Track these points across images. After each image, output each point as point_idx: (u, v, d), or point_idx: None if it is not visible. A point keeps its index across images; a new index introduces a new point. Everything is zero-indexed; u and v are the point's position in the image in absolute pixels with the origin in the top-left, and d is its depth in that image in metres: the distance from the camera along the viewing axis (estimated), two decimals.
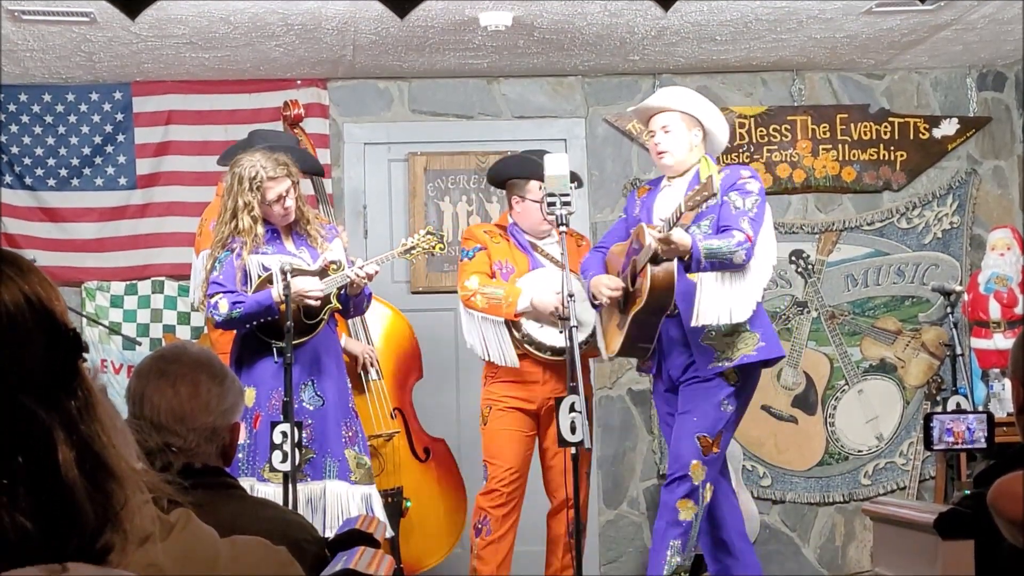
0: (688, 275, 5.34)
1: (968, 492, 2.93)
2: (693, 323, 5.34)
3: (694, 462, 5.42)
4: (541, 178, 5.58)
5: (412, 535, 6.24)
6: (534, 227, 6.07)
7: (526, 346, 5.92)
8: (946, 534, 2.75)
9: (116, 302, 7.36)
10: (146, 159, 7.41)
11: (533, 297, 5.85)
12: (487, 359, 6.01)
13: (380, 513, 5.59)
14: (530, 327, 5.90)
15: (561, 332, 5.35)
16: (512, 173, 6.15)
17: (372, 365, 6.32)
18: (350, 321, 6.23)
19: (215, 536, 2.21)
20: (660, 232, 5.16)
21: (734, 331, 5.39)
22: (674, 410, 5.53)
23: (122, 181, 7.41)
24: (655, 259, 5.25)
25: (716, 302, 5.36)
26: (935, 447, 4.35)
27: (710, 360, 5.41)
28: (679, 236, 5.17)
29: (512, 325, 5.92)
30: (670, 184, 5.59)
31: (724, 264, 5.27)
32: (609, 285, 5.53)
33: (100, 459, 1.29)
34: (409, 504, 6.20)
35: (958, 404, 5.28)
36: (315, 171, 6.45)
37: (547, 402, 5.91)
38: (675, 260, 5.26)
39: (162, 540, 2.09)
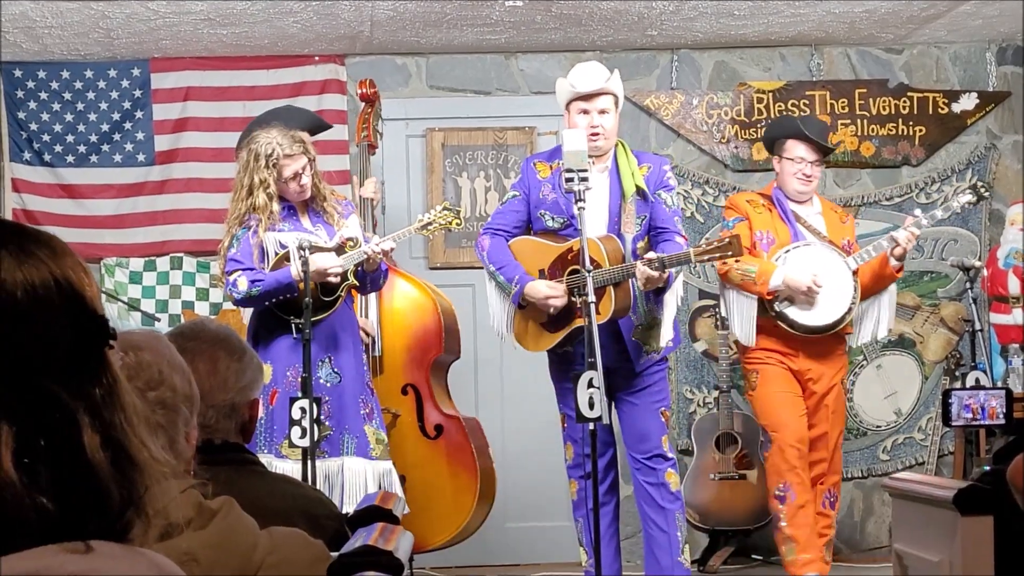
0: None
1: (987, 468, 2.93)
2: (663, 343, 5.48)
3: (663, 437, 5.55)
4: (795, 135, 6.06)
5: (418, 513, 6.23)
6: (789, 189, 6.15)
7: (779, 323, 6.02)
8: (965, 510, 2.75)
9: (135, 278, 7.38)
10: (164, 135, 7.43)
11: (786, 275, 5.92)
12: (736, 334, 6.15)
13: (398, 489, 5.60)
14: (782, 305, 6.00)
15: (580, 313, 5.34)
16: (773, 133, 6.33)
17: (369, 337, 6.30)
18: (361, 298, 6.24)
19: (254, 526, 2.21)
20: (653, 272, 5.14)
21: (654, 324, 5.49)
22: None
23: (140, 158, 7.43)
24: (618, 282, 5.29)
25: (669, 315, 5.50)
26: (954, 423, 4.34)
27: (641, 354, 5.50)
28: (664, 275, 5.23)
29: (765, 302, 6.00)
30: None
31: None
32: (554, 296, 5.42)
33: (121, 447, 1.29)
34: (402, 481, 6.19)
35: (977, 379, 5.28)
36: (320, 127, 6.36)
37: (807, 373, 6.07)
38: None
39: (202, 528, 2.10)
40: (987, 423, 4.27)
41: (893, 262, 6.05)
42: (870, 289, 6.19)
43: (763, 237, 6.11)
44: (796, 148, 6.12)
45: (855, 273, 6.07)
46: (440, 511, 6.34)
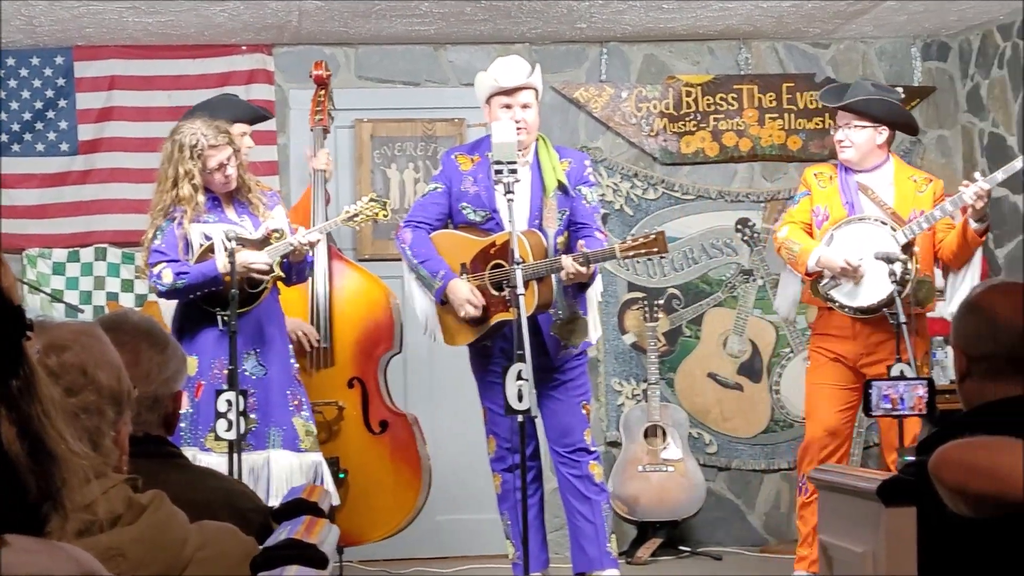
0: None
1: (910, 459, 2.95)
2: (590, 339, 5.59)
3: (586, 430, 5.62)
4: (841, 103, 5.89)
5: (356, 508, 6.20)
6: (840, 158, 6.01)
7: (830, 304, 5.86)
8: (889, 501, 2.76)
9: (58, 269, 7.29)
10: (88, 125, 7.33)
11: (821, 255, 5.80)
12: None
13: (328, 482, 5.58)
14: (827, 286, 5.85)
15: (498, 308, 5.37)
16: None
17: (306, 337, 6.25)
18: (310, 290, 6.22)
19: (185, 521, 2.19)
20: (579, 267, 5.20)
21: (574, 319, 5.52)
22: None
23: (64, 147, 7.33)
24: (541, 277, 5.33)
25: (595, 311, 5.60)
26: (872, 413, 4.40)
27: (559, 349, 5.53)
28: (591, 271, 5.30)
29: (815, 281, 5.87)
30: None
31: None
32: (473, 302, 5.45)
33: (39, 439, 1.26)
34: (343, 476, 6.16)
35: (902, 372, 5.31)
36: (260, 118, 6.33)
37: (861, 357, 5.86)
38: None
39: (131, 523, 2.07)
40: (908, 413, 4.32)
41: (973, 224, 5.68)
42: (960, 259, 5.87)
43: (819, 212, 5.96)
44: (836, 117, 6.06)
45: (909, 247, 5.75)
46: (381, 506, 6.32)
